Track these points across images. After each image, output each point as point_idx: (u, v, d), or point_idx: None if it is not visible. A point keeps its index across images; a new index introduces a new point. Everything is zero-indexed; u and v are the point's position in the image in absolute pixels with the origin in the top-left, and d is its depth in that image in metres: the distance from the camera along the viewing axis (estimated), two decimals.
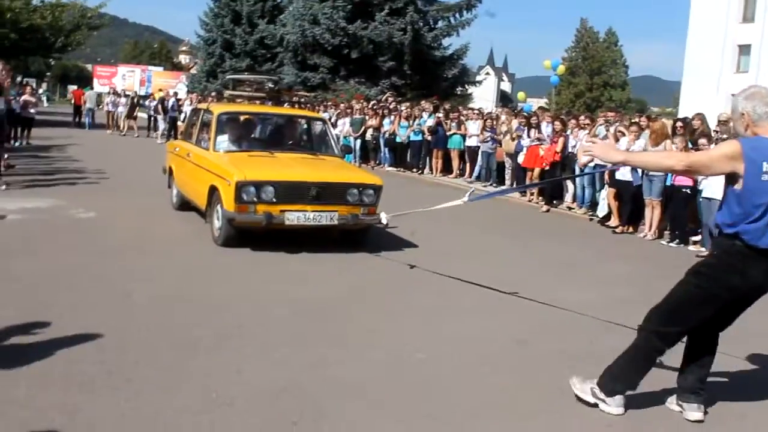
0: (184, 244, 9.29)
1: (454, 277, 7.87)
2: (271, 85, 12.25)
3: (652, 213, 12.39)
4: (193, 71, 59.62)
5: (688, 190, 11.49)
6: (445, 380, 5.02)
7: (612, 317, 6.61)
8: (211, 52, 47.15)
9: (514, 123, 17.06)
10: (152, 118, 29.55)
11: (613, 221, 13.16)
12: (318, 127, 11.40)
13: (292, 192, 8.75)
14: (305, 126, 11.53)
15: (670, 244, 11.80)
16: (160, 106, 27.83)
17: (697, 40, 56.32)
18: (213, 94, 27.38)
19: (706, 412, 4.64)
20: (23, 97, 21.82)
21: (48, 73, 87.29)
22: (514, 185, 16.62)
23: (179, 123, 26.49)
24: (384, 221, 8.90)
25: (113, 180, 14.65)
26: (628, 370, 4.56)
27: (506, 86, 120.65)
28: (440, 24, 33.61)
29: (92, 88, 45.54)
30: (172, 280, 7.25)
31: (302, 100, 13.44)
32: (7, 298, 6.10)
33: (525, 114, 18.41)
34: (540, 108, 20.94)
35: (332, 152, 10.65)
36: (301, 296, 6.97)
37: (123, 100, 30.44)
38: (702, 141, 11.58)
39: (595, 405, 4.59)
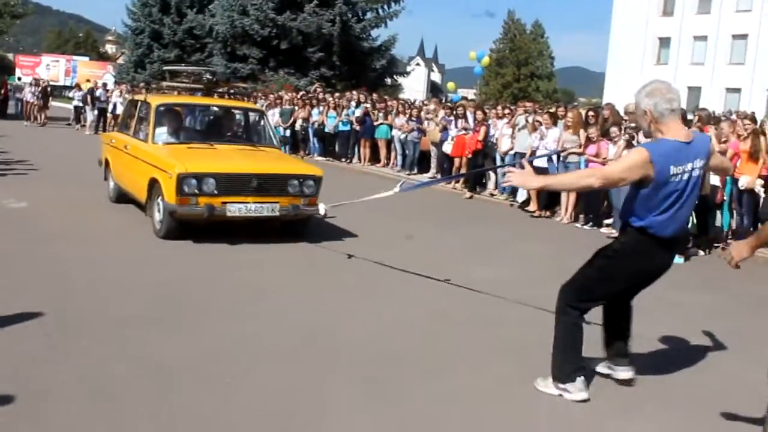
0: (124, 235, 9.32)
1: (386, 265, 8.24)
2: (209, 76, 12.24)
3: (568, 198, 13.05)
4: (120, 61, 58.81)
5: (529, 166, 12.12)
6: (360, 344, 5.51)
7: (523, 293, 7.19)
8: (139, 42, 46.59)
9: (441, 113, 17.61)
10: (77, 109, 28.96)
11: (532, 206, 13.79)
12: (256, 118, 11.41)
13: (233, 184, 8.79)
14: (243, 117, 11.59)
15: (584, 227, 12.49)
16: (89, 97, 27.37)
17: (620, 32, 58.03)
18: (143, 85, 27.25)
19: (634, 374, 5.02)
20: None
21: None
22: (439, 175, 17.16)
23: (108, 114, 26.36)
24: (322, 212, 9.06)
25: (44, 171, 14.63)
26: (565, 352, 4.77)
27: (436, 77, 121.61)
28: (369, 15, 34.08)
29: (20, 78, 44.57)
30: (111, 267, 7.52)
31: (237, 91, 13.44)
32: None
33: (450, 104, 18.95)
34: (463, 98, 21.48)
35: (270, 143, 10.71)
36: (237, 279, 7.35)
37: (34, 89, 29.26)
38: (613, 129, 12.29)
39: (560, 395, 4.76)
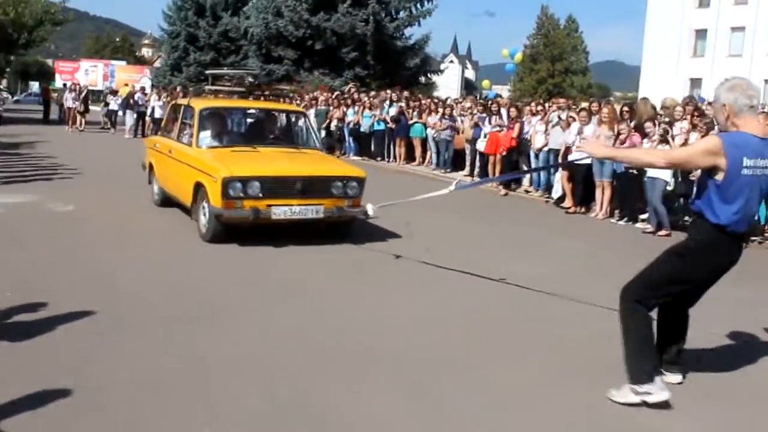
0: (169, 238, 9.42)
1: (426, 263, 8.37)
2: (250, 79, 12.25)
3: (603, 194, 13.09)
4: (156, 65, 59.60)
5: (635, 171, 12.17)
6: (401, 342, 5.69)
7: (561, 289, 7.33)
8: (175, 45, 47.26)
9: (474, 111, 17.73)
10: (114, 114, 29.27)
11: (567, 202, 13.85)
12: (299, 120, 11.45)
13: (278, 187, 8.82)
14: (286, 120, 11.57)
15: (619, 222, 12.55)
16: (130, 101, 27.76)
17: (656, 25, 57.53)
18: (179, 88, 27.62)
19: (684, 376, 5.03)
20: None
21: (8, 69, 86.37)
22: (476, 171, 17.26)
23: (147, 118, 26.74)
24: (370, 212, 8.82)
25: (88, 175, 14.96)
26: (642, 351, 4.68)
27: (470, 74, 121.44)
28: (402, 14, 34.25)
29: (64, 85, 45.23)
30: (158, 269, 7.74)
31: (275, 92, 13.50)
32: (3, 283, 6.61)
33: (482, 102, 19.04)
34: (498, 95, 21.53)
35: (313, 145, 10.75)
36: (280, 279, 7.54)
37: (74, 95, 29.42)
38: (648, 124, 12.34)
39: (644, 403, 4.60)
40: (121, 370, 4.80)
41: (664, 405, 4.58)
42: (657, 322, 4.99)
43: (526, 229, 11.59)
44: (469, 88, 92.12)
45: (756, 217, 10.75)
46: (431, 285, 7.62)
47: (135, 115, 27.26)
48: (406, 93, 23.15)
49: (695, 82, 52.83)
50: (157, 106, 25.85)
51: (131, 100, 27.60)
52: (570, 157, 13.39)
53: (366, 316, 6.43)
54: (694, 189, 4.96)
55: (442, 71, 40.22)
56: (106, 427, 4.05)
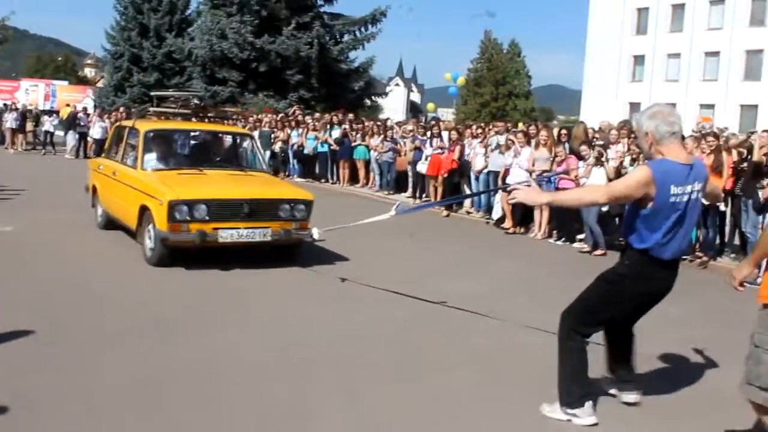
0: (113, 261, 9.29)
1: (366, 284, 8.52)
2: (196, 101, 12.11)
3: (541, 214, 13.42)
4: (99, 85, 58.83)
5: (535, 184, 12.44)
6: (338, 355, 5.83)
7: (493, 306, 7.58)
8: (118, 66, 46.63)
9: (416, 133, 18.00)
10: (50, 135, 28.50)
11: (507, 223, 14.13)
12: (245, 142, 11.38)
13: (224, 210, 8.78)
14: (232, 142, 11.52)
15: (557, 243, 12.86)
16: (72, 122, 27.42)
17: (596, 50, 58.97)
18: (122, 109, 27.35)
19: (641, 395, 5.13)
20: None
21: None
22: (417, 192, 17.51)
23: (89, 139, 26.48)
24: (316, 236, 8.90)
25: (28, 196, 14.83)
26: (573, 377, 4.81)
27: (416, 97, 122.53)
28: (346, 38, 34.53)
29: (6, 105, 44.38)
30: (101, 288, 7.74)
31: (219, 115, 13.32)
32: None
33: (423, 125, 19.33)
34: (434, 119, 21.84)
35: (260, 168, 10.71)
36: (224, 298, 7.63)
37: (15, 114, 28.89)
38: (583, 147, 12.70)
39: (569, 420, 4.79)
40: (60, 386, 4.86)
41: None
42: (604, 342, 5.16)
43: (466, 249, 11.82)
44: (414, 110, 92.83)
45: (688, 245, 11.18)
46: (372, 304, 7.78)
47: (77, 136, 26.97)
48: (350, 115, 23.32)
49: (634, 106, 54.10)
50: (99, 127, 25.64)
51: (74, 121, 27.30)
52: (509, 179, 13.69)
53: (306, 331, 6.59)
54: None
55: (386, 94, 40.51)
56: None
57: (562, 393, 4.84)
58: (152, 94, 13.47)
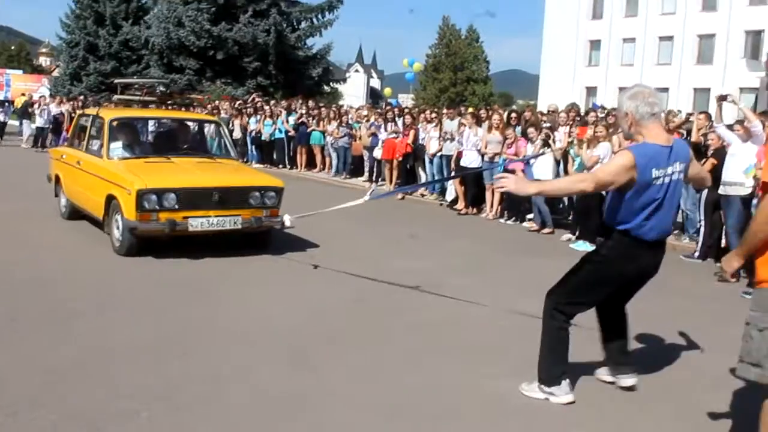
0: (79, 250, 9.19)
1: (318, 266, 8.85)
2: (162, 88, 11.94)
3: (492, 195, 13.77)
4: (55, 74, 58.11)
5: (522, 173, 12.81)
6: (294, 327, 6.11)
7: (439, 281, 7.97)
8: (74, 54, 46.17)
9: (372, 119, 18.27)
10: (3, 124, 27.66)
11: (460, 204, 14.47)
12: (212, 130, 11.18)
13: (194, 198, 8.65)
14: (199, 129, 11.34)
15: (507, 222, 13.22)
16: (26, 111, 27.14)
17: (553, 35, 59.48)
18: (82, 98, 27.14)
19: (637, 378, 5.11)
20: None
21: None
22: (373, 177, 17.80)
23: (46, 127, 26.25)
24: (287, 223, 8.96)
25: None
26: (552, 356, 4.85)
27: (376, 83, 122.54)
28: (303, 25, 34.63)
29: None
30: (63, 272, 7.90)
31: (187, 102, 12.97)
32: None
33: (378, 110, 19.61)
34: (398, 104, 22.12)
35: (228, 155, 10.59)
36: (192, 280, 7.84)
37: None
38: (530, 130, 13.08)
39: (546, 399, 4.85)
40: (19, 359, 5.10)
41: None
42: (598, 323, 5.19)
43: (418, 229, 12.08)
44: (374, 96, 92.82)
45: (672, 227, 11.56)
46: (319, 281, 8.10)
47: (33, 126, 26.71)
48: (310, 102, 23.49)
49: (591, 90, 54.92)
50: (56, 115, 25.54)
51: (28, 110, 27.05)
52: (462, 162, 14.02)
53: (265, 306, 6.91)
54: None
55: (344, 80, 40.71)
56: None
57: (540, 371, 4.91)
58: (116, 81, 13.25)
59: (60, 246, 9.37)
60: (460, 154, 14.49)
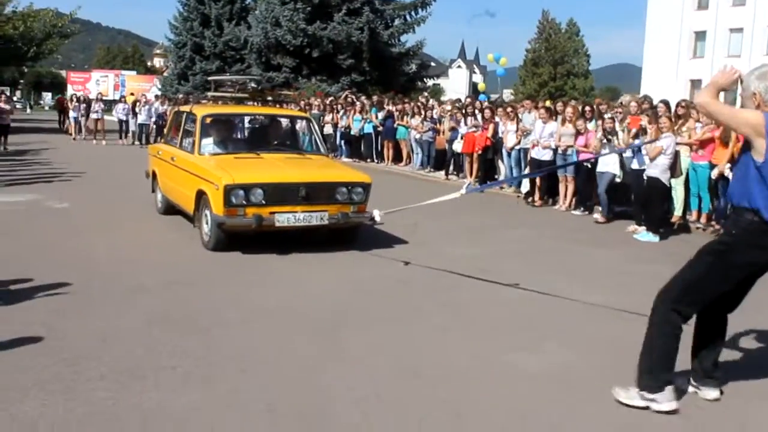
0: (167, 243, 9.50)
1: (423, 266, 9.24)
2: (254, 84, 12.22)
3: (566, 188, 14.03)
4: (165, 74, 60.74)
5: (589, 165, 13.06)
6: (332, 305, 6.71)
7: (484, 266, 8.43)
8: (182, 55, 48.26)
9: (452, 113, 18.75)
10: (121, 123, 29.33)
11: (535, 196, 14.76)
12: (303, 125, 11.39)
13: (281, 193, 8.67)
14: (290, 125, 11.43)
15: (576, 212, 13.46)
16: (134, 110, 28.55)
17: (656, 27, 58.26)
18: (182, 96, 28.44)
19: (722, 392, 4.80)
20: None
21: (21, 81, 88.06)
22: (450, 169, 18.25)
23: (151, 126, 27.67)
24: (377, 219, 8.72)
25: (88, 179, 16.06)
26: (662, 359, 4.52)
27: (478, 78, 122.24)
28: (397, 22, 35.25)
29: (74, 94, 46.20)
30: (149, 261, 8.35)
31: (279, 99, 13.24)
32: None
33: (457, 105, 19.99)
34: (469, 98, 22.41)
35: (318, 151, 10.63)
36: (276, 277, 8.01)
37: (80, 105, 30.28)
38: (579, 122, 13.34)
39: (647, 408, 4.54)
40: (85, 324, 5.85)
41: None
42: (695, 329, 4.81)
43: (485, 220, 12.50)
44: (476, 92, 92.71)
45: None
46: (376, 266, 8.61)
47: (138, 123, 28.07)
48: (393, 98, 24.05)
49: (695, 83, 53.55)
50: (145, 113, 27.30)
51: (134, 109, 28.48)
52: (532, 153, 14.31)
53: (313, 284, 7.47)
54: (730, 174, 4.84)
55: (438, 76, 41.17)
56: (61, 366, 5.03)
57: (642, 377, 4.57)
58: (209, 78, 13.60)
59: (149, 239, 9.78)
60: (533, 146, 14.76)
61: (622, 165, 12.51)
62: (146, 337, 5.63)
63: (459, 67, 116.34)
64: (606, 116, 13.25)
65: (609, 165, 12.40)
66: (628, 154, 12.18)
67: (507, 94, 60.83)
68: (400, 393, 4.72)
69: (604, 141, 12.61)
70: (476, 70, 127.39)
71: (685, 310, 4.49)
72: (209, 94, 12.62)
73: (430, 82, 40.14)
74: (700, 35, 56.59)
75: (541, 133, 14.41)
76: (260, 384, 4.76)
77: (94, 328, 5.77)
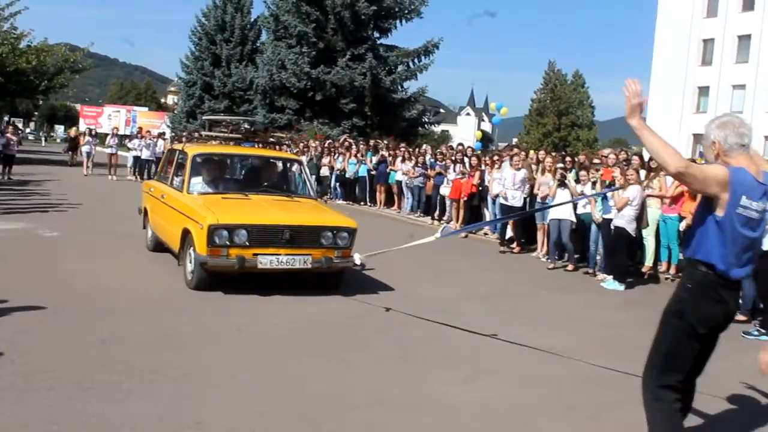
0: (149, 278, 9.60)
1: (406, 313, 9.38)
2: (246, 126, 12.33)
3: (544, 236, 14.44)
4: (175, 111, 61.73)
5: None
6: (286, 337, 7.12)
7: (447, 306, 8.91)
8: (191, 93, 49.29)
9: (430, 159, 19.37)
10: (136, 159, 28.90)
11: (515, 244, 15.18)
12: (293, 167, 11.41)
13: (265, 235, 8.67)
14: (281, 167, 11.46)
15: (546, 259, 13.89)
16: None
17: (661, 81, 58.94)
18: (185, 134, 28.99)
19: None
20: (6, 136, 23.96)
21: (35, 113, 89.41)
22: (436, 214, 18.73)
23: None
24: (357, 261, 8.89)
25: (82, 210, 16.60)
26: None
27: (487, 126, 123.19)
28: (400, 68, 36.00)
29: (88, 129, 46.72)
30: (128, 294, 8.58)
31: (274, 141, 13.22)
32: None
33: (453, 150, 20.52)
34: (458, 144, 22.75)
35: (307, 194, 10.66)
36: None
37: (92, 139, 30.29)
38: (582, 173, 13.72)
39: None
40: (50, 342, 6.31)
41: None
42: None
43: (464, 264, 12.91)
44: (484, 139, 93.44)
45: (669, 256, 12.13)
46: (341, 302, 9.02)
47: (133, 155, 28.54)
48: (388, 143, 24.60)
49: (698, 138, 54.05)
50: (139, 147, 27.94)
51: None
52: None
53: (275, 317, 7.86)
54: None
55: (439, 122, 41.68)
56: (16, 377, 5.45)
57: None
58: (204, 118, 13.54)
59: (131, 272, 9.88)
60: (503, 194, 15.16)
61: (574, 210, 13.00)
62: (102, 354, 6.07)
63: (468, 114, 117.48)
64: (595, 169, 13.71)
65: (563, 213, 12.83)
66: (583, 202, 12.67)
67: (515, 142, 61.47)
68: (323, 415, 5.15)
69: (559, 188, 13.09)
70: (485, 117, 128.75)
71: (670, 381, 4.36)
72: (203, 133, 12.83)
73: (438, 129, 40.72)
74: (704, 90, 57.26)
75: (514, 180, 14.88)
76: (195, 402, 5.19)
77: (55, 344, 6.24)
